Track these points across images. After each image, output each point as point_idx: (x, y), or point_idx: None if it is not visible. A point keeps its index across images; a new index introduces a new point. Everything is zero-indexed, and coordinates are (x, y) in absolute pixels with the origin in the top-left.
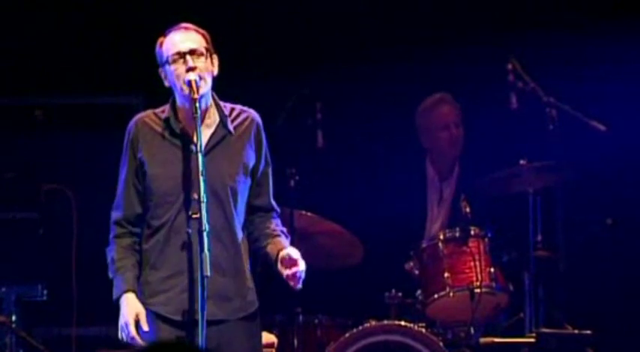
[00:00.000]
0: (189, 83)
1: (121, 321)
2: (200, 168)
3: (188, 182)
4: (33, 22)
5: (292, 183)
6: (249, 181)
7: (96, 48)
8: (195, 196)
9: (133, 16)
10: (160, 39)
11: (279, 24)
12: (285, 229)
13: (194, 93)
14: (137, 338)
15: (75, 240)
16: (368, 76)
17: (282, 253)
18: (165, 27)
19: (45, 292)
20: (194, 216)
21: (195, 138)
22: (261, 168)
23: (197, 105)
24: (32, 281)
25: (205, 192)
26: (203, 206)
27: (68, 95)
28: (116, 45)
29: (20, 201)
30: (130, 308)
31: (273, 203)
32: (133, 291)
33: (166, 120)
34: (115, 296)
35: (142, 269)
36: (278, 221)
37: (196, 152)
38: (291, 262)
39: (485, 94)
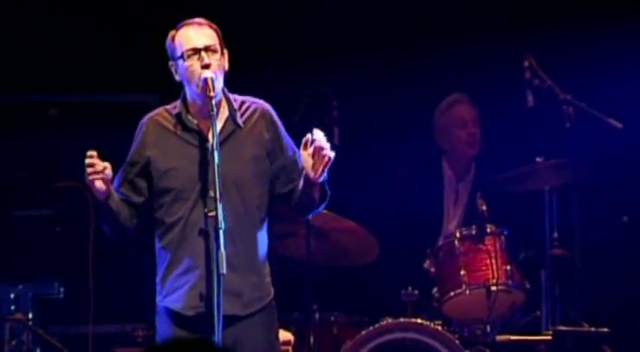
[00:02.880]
0: (205, 81)
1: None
2: (215, 166)
3: (202, 178)
4: (47, 19)
5: None
6: (263, 175)
7: (111, 45)
8: (212, 194)
9: (147, 13)
10: (172, 32)
11: (294, 20)
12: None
13: (210, 91)
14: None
15: (91, 237)
16: (384, 74)
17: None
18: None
19: (61, 289)
20: (210, 214)
21: (210, 136)
22: (288, 156)
23: (212, 103)
24: (49, 279)
25: (222, 192)
26: (219, 204)
27: (82, 93)
28: (131, 42)
29: (36, 199)
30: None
31: None
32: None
33: (178, 116)
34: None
35: (157, 269)
36: None
37: (212, 151)
38: (316, 147)
39: (502, 92)
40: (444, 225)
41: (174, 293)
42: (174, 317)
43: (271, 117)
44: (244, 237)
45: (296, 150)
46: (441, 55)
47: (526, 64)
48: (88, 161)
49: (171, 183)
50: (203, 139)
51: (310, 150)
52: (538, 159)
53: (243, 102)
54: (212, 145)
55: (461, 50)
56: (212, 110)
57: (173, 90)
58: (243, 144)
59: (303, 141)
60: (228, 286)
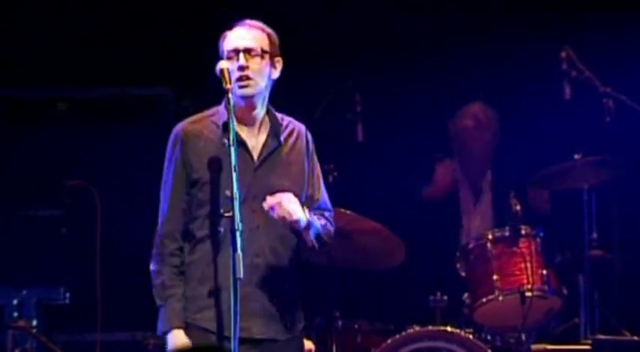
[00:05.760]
0: (220, 72)
1: None
2: (232, 162)
3: (245, 190)
4: (56, 11)
5: (331, 179)
6: (301, 196)
7: (122, 38)
8: (228, 193)
9: (160, 5)
10: (225, 33)
11: (317, 14)
12: (331, 221)
13: (226, 83)
14: None
15: (99, 239)
16: (410, 68)
17: None
18: (194, 18)
19: (67, 295)
20: (226, 214)
21: (251, 149)
22: (312, 180)
23: (229, 95)
24: (54, 284)
25: (238, 188)
26: (236, 203)
27: (92, 87)
28: (143, 35)
29: (42, 199)
30: (177, 345)
31: (325, 205)
32: (182, 328)
33: (225, 126)
34: (162, 329)
35: (185, 284)
36: (328, 214)
37: (229, 145)
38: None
39: (538, 84)
40: (465, 225)
41: (207, 312)
42: (209, 334)
43: (310, 140)
44: (288, 260)
45: (320, 176)
46: (472, 46)
47: (563, 54)
48: None
49: (205, 197)
50: (247, 152)
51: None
52: (576, 156)
53: (282, 119)
54: (229, 141)
55: (493, 40)
56: (228, 103)
57: (188, 83)
58: (286, 162)
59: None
60: (269, 310)
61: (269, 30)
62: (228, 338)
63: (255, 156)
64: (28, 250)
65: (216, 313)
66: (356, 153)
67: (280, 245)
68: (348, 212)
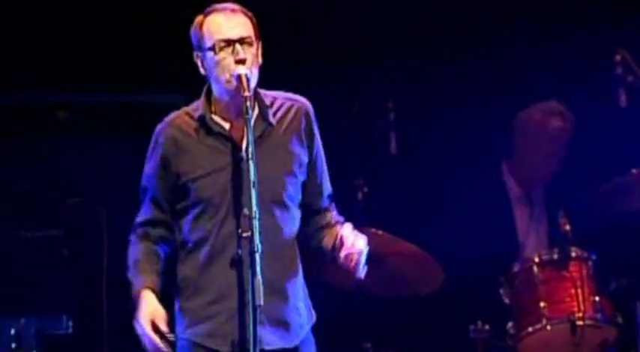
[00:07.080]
0: (238, 79)
1: (138, 328)
2: (252, 178)
3: (233, 189)
4: (58, 8)
5: (360, 195)
6: (299, 183)
7: (130, 41)
8: (246, 212)
9: (172, 8)
10: (199, 18)
11: (345, 9)
12: (343, 218)
13: (245, 90)
14: (160, 345)
15: (105, 262)
16: (449, 73)
17: (337, 237)
18: None
19: (70, 324)
20: (244, 234)
21: (242, 139)
22: (316, 165)
23: (248, 104)
24: (55, 312)
25: (258, 206)
26: (255, 223)
27: (96, 93)
28: (153, 39)
29: (41, 217)
30: (147, 307)
31: (329, 200)
32: (154, 291)
33: (201, 119)
34: (133, 294)
35: (179, 296)
36: (335, 213)
37: (247, 160)
38: (343, 244)
39: (590, 91)
40: (521, 242)
41: (202, 325)
42: (203, 351)
43: (310, 116)
44: (284, 255)
45: (324, 158)
46: (517, 48)
47: (618, 58)
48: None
49: (196, 197)
50: (232, 143)
51: (341, 255)
52: (633, 171)
53: (275, 99)
54: (246, 154)
55: (539, 43)
56: (247, 113)
57: (201, 90)
58: (278, 146)
59: (336, 244)
60: (275, 315)
61: (249, 12)
62: None
63: (244, 145)
64: (26, 274)
65: (212, 327)
66: (389, 167)
67: (280, 242)
68: (380, 232)
